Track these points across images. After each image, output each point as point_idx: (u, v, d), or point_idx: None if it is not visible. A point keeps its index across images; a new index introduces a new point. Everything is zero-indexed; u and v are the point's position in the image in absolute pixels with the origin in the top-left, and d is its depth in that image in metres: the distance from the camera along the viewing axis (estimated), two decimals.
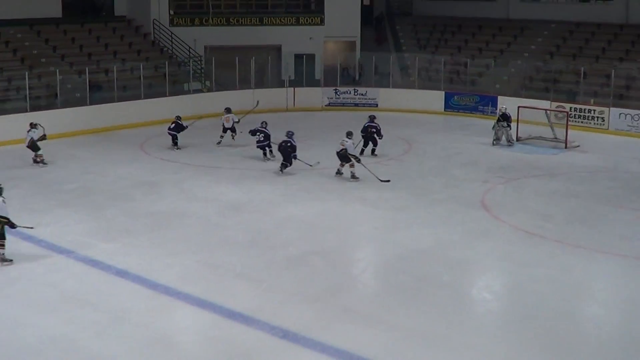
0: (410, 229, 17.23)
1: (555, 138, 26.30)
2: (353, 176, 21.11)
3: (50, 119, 25.08)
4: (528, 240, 16.40)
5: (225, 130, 25.52)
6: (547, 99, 29.90)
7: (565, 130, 26.02)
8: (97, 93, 29.10)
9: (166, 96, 30.38)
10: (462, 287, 14.16)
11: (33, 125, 22.81)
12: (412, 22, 40.42)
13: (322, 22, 37.18)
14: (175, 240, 16.13)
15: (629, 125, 28.09)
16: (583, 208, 19.00)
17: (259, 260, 15.02)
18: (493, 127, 26.24)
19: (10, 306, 12.89)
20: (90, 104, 28.18)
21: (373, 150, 24.01)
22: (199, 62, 33.95)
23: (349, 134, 21.53)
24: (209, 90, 32.68)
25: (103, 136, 26.90)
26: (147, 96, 29.85)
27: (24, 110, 26.42)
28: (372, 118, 24.28)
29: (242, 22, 36.38)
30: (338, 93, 33.43)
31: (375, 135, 23.91)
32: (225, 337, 11.93)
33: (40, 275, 14.22)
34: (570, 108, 28.72)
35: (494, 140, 26.09)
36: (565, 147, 25.57)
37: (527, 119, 26.74)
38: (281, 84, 33.87)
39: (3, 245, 14.55)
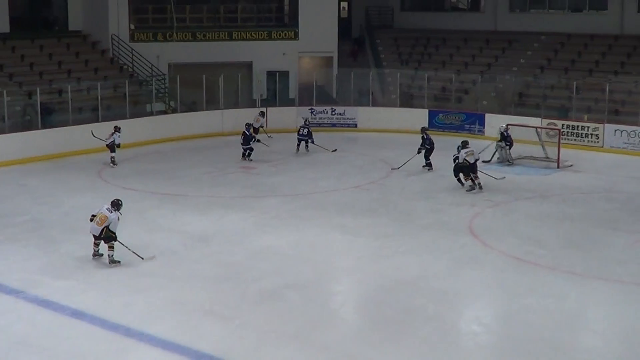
0: (393, 258, 17.25)
1: (547, 157, 26.52)
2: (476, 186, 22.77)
3: None
4: (519, 268, 16.46)
5: (255, 130, 28.53)
6: (537, 115, 30.19)
7: (557, 149, 26.24)
8: (50, 116, 28.94)
9: (127, 118, 30.20)
10: (449, 320, 14.12)
11: (117, 129, 25.93)
12: (393, 36, 40.63)
13: (296, 36, 37.26)
14: (137, 276, 15.99)
15: (625, 143, 28.40)
16: (577, 232, 19.15)
17: (230, 296, 14.95)
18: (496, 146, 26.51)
19: None
20: (42, 127, 28.01)
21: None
22: (162, 81, 33.91)
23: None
24: (174, 111, 32.69)
25: (57, 163, 26.70)
26: (105, 119, 29.67)
27: None
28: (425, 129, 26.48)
29: (209, 37, 36.42)
30: (314, 113, 33.45)
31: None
32: None
33: None
34: (563, 125, 29.00)
35: (492, 158, 26.31)
36: (558, 167, 25.78)
37: (517, 137, 26.87)
38: (252, 104, 33.95)
39: (112, 247, 16.25)
